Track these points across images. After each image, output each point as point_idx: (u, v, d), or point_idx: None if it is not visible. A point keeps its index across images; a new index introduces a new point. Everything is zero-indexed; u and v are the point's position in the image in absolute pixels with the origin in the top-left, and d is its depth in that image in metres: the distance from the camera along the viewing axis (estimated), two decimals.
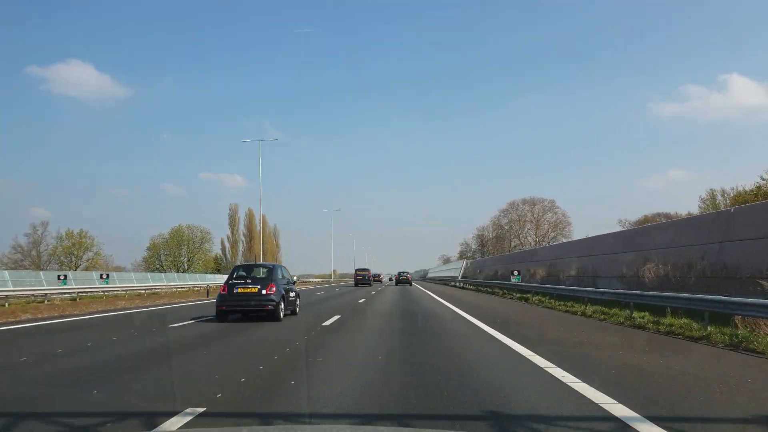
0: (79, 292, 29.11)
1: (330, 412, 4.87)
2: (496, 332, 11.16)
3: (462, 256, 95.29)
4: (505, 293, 29.60)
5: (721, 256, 14.09)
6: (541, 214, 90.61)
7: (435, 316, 15.93)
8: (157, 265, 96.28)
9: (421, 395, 5.48)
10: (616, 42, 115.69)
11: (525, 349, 8.71)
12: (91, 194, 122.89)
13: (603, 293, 15.91)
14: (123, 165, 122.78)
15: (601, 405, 5.14)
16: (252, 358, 8.13)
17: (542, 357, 7.83)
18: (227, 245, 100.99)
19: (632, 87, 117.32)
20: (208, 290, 31.68)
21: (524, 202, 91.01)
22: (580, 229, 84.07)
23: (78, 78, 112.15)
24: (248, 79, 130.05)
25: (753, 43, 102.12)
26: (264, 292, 13.84)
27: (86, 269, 77.89)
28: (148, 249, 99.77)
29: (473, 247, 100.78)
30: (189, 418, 4.65)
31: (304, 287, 45.76)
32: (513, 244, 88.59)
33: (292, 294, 15.54)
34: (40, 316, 17.18)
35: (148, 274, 60.77)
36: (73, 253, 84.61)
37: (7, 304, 22.05)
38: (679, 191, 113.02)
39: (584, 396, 5.52)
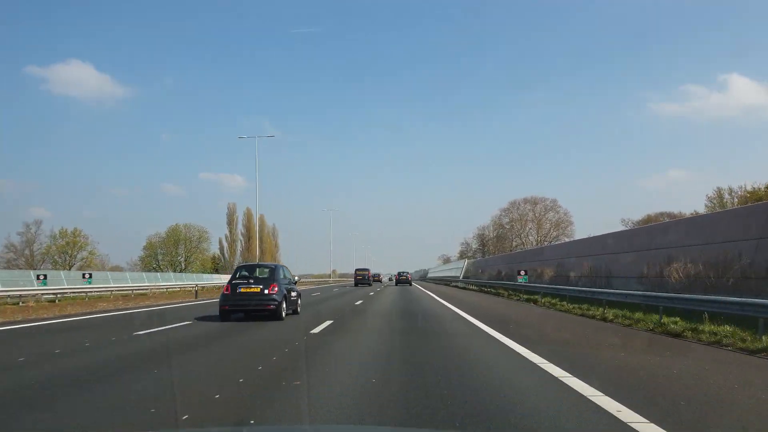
0: (60, 293, 27.52)
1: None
2: (513, 343, 9.51)
3: (462, 255, 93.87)
4: (511, 295, 27.99)
5: (763, 253, 12.45)
6: (542, 213, 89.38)
7: (435, 316, 15.05)
8: (154, 265, 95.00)
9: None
10: (616, 42, 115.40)
11: (557, 369, 7.07)
12: (91, 194, 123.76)
13: (627, 295, 14.26)
14: (123, 165, 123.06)
15: None
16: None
17: (579, 378, 6.20)
18: (225, 245, 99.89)
19: (632, 87, 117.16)
20: (196, 291, 30.01)
21: (526, 201, 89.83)
22: (581, 229, 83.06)
23: (78, 78, 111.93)
24: (248, 79, 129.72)
25: (753, 43, 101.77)
26: (266, 291, 14.00)
27: (80, 269, 76.28)
28: (145, 248, 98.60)
29: (474, 246, 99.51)
30: None
31: (299, 287, 44.10)
32: (514, 243, 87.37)
33: (293, 294, 15.65)
34: None
35: (143, 274, 59.31)
36: (67, 252, 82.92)
37: None
38: (680, 191, 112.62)
39: None
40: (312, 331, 11.13)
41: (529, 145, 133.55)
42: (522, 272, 26.81)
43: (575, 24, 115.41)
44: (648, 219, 68.83)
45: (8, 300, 23.92)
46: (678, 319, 12.10)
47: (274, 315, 13.90)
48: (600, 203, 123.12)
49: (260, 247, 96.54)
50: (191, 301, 25.15)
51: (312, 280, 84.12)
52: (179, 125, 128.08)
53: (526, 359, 7.74)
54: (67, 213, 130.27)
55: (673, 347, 9.38)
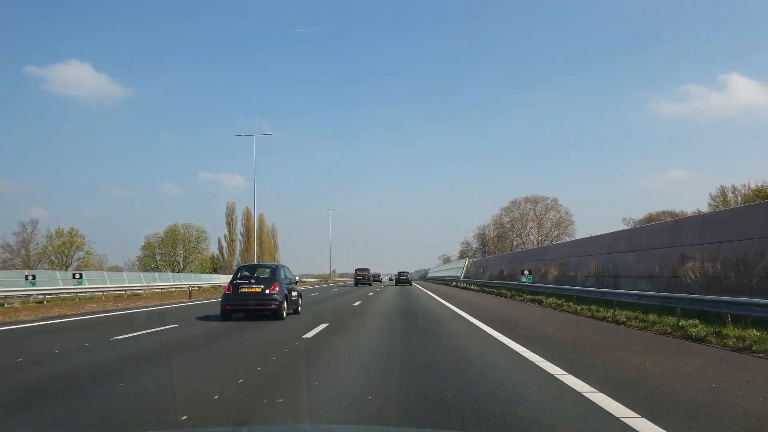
0: (49, 294, 26.68)
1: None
2: (522, 348, 8.67)
3: (463, 255, 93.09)
4: (514, 295, 27.14)
5: None
6: (543, 212, 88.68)
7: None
8: (152, 265, 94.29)
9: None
10: (616, 42, 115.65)
11: (578, 381, 6.23)
12: (91, 194, 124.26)
13: (641, 296, 13.41)
14: (122, 165, 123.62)
15: None
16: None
17: (607, 395, 5.36)
18: (224, 245, 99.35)
19: (632, 87, 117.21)
20: (190, 292, 29.14)
21: (526, 200, 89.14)
22: (582, 229, 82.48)
23: (77, 78, 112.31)
24: (248, 79, 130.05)
25: (753, 42, 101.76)
26: (267, 291, 14.12)
27: (77, 269, 75.39)
28: (143, 248, 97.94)
29: (474, 246, 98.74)
30: None
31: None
32: (515, 243, 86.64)
33: (294, 294, 15.74)
34: None
35: (141, 274, 58.46)
36: (63, 252, 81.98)
37: None
38: (680, 191, 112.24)
39: None
40: (305, 336, 10.48)
41: (529, 145, 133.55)
42: (525, 272, 25.96)
43: (575, 24, 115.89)
44: (650, 218, 68.11)
45: None
46: (697, 321, 11.27)
47: (275, 315, 14.00)
48: (600, 203, 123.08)
49: (259, 246, 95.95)
50: (185, 302, 24.32)
51: (311, 280, 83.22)
52: (179, 125, 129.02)
53: (539, 368, 6.91)
54: (66, 213, 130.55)
55: (702, 354, 8.53)
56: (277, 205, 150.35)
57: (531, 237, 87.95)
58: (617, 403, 5.02)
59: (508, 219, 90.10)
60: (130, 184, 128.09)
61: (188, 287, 31.20)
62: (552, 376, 6.44)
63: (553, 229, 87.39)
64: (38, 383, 6.39)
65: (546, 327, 12.83)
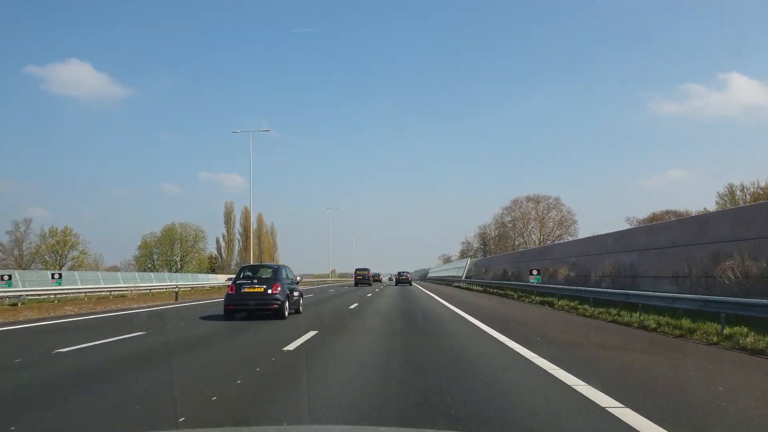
0: (28, 295, 25.06)
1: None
2: (550, 365, 7.02)
3: (463, 255, 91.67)
4: (521, 296, 25.50)
5: None
6: (545, 211, 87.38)
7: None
8: (149, 265, 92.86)
9: None
10: (616, 42, 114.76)
11: (635, 416, 4.59)
12: (91, 194, 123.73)
13: (675, 299, 11.74)
14: (122, 165, 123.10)
15: None
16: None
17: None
18: (223, 244, 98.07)
19: (632, 86, 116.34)
20: (176, 293, 27.47)
21: (528, 199, 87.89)
22: (583, 229, 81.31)
23: (77, 77, 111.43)
24: (248, 78, 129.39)
25: (753, 42, 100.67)
26: (270, 291, 14.30)
27: (71, 268, 73.99)
28: (140, 248, 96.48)
29: (475, 245, 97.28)
30: None
31: None
32: (517, 242, 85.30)
33: (296, 294, 15.93)
34: None
35: (136, 274, 56.88)
36: (57, 251, 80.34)
37: None
38: (680, 191, 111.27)
39: None
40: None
41: (529, 145, 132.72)
42: (534, 272, 24.31)
43: (576, 23, 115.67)
44: (654, 217, 66.87)
45: None
46: (745, 329, 9.66)
47: (277, 314, 14.19)
48: (600, 203, 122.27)
49: (259, 246, 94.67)
50: (169, 305, 22.70)
51: (310, 280, 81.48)
52: (179, 125, 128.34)
53: (571, 389, 5.28)
54: (66, 213, 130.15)
55: None
56: (277, 205, 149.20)
57: (533, 236, 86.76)
58: None
59: (509, 218, 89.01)
60: (130, 184, 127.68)
61: (176, 289, 29.46)
62: (593, 404, 4.81)
63: (555, 229, 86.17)
64: None
65: (560, 331, 11.19)
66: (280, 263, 22.72)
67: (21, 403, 5.35)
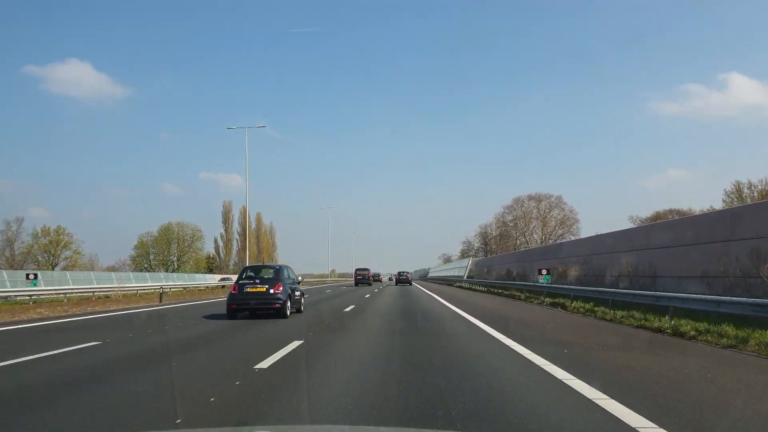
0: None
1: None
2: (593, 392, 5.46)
3: (464, 254, 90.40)
4: (528, 297, 23.95)
5: None
6: (547, 210, 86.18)
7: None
8: (146, 265, 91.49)
9: None
10: (616, 42, 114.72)
11: None
12: (90, 194, 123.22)
13: (720, 303, 10.15)
14: (122, 165, 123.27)
15: None
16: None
17: None
18: (221, 244, 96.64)
19: (632, 86, 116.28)
20: (161, 294, 25.91)
21: (530, 198, 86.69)
22: (583, 229, 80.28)
23: (76, 77, 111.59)
24: (248, 78, 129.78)
25: (753, 42, 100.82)
26: (272, 291, 14.51)
27: (65, 268, 72.50)
28: (136, 248, 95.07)
29: (476, 245, 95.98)
30: None
31: None
32: (518, 242, 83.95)
33: (297, 293, 16.15)
34: None
35: (131, 274, 55.44)
36: (50, 251, 78.73)
37: None
38: (680, 191, 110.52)
39: None
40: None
41: (530, 145, 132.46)
42: (543, 271, 22.74)
43: (576, 23, 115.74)
44: (657, 216, 65.75)
45: None
46: None
47: (279, 313, 14.40)
48: (601, 203, 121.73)
49: (258, 246, 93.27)
50: (151, 307, 21.17)
51: (309, 280, 79.91)
52: (178, 125, 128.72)
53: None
54: (66, 213, 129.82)
55: None
56: (277, 205, 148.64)
57: (535, 236, 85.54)
58: None
59: (511, 217, 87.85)
60: (130, 184, 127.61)
61: (160, 290, 27.85)
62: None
63: (557, 228, 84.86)
64: None
65: (582, 337, 9.63)
66: (280, 263, 23.04)
67: None
